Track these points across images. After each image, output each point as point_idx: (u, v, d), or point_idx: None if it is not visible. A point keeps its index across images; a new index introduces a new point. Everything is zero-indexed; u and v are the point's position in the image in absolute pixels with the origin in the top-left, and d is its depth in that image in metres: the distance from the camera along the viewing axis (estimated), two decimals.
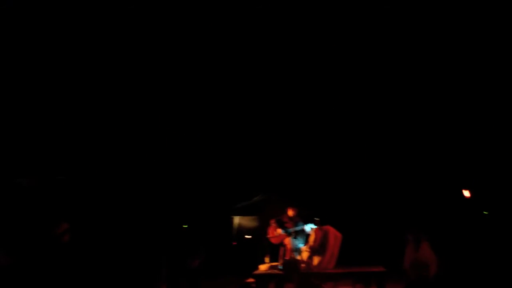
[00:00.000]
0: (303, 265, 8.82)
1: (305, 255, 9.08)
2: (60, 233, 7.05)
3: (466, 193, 9.96)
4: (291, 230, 9.29)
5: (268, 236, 9.51)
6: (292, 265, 8.69)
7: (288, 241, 9.28)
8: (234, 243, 12.22)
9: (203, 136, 12.19)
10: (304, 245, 9.23)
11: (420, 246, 8.54)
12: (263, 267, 9.32)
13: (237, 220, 12.68)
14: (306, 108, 11.78)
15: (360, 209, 10.04)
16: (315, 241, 9.03)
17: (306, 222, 9.31)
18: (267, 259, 9.56)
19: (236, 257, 11.59)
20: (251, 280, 9.06)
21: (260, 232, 12.27)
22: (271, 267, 9.10)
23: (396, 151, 10.90)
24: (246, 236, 12.22)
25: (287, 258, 9.12)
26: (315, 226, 9.11)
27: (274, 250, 9.55)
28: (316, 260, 8.93)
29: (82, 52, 9.23)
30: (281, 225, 9.41)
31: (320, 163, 11.78)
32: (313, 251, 9.00)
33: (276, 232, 9.40)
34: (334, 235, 9.04)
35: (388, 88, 10.34)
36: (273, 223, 9.50)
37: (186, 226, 11.32)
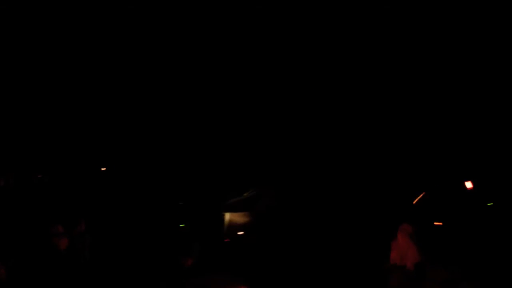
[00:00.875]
0: None
1: None
2: (55, 238, 6.62)
3: (469, 184, 9.80)
4: None
5: None
6: None
7: None
8: (227, 240, 11.87)
9: (191, 132, 11.82)
10: None
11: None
12: None
13: (228, 216, 12.34)
14: (296, 98, 11.49)
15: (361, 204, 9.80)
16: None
17: None
18: None
19: (229, 254, 11.26)
20: None
21: (252, 228, 12.00)
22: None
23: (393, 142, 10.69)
24: (239, 233, 11.88)
25: None
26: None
27: None
28: None
29: (81, 52, 8.90)
30: None
31: (314, 152, 11.49)
32: None
33: None
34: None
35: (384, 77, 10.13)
36: None
37: (183, 225, 10.96)
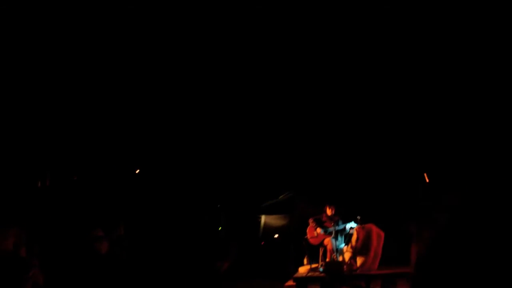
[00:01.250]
0: (345, 266, 8.34)
1: (347, 255, 8.59)
2: (96, 243, 6.55)
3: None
4: (332, 229, 8.76)
5: (307, 236, 8.99)
6: (334, 267, 8.21)
7: (328, 241, 8.74)
8: (262, 243, 11.72)
9: (224, 136, 11.71)
10: (346, 245, 8.73)
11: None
12: (303, 270, 8.84)
13: (263, 219, 12.19)
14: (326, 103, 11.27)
15: (398, 203, 9.48)
16: (357, 240, 8.53)
17: (346, 221, 8.81)
18: (305, 261, 9.08)
19: (266, 258, 11.10)
20: (291, 283, 8.55)
21: (288, 231, 11.83)
22: (312, 270, 8.62)
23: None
24: (275, 236, 11.72)
25: (328, 259, 8.62)
26: (357, 225, 8.60)
27: (313, 252, 9.05)
28: (359, 261, 8.44)
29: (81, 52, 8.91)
30: (320, 224, 8.90)
31: (349, 156, 11.25)
32: (356, 252, 8.51)
33: (315, 232, 8.88)
34: (377, 234, 8.55)
35: None
36: (311, 222, 8.98)
37: (221, 228, 10.88)
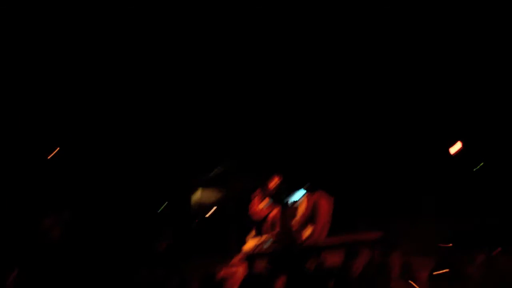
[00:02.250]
0: (296, 238, 8.01)
1: (296, 225, 8.24)
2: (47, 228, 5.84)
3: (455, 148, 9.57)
4: (279, 199, 8.37)
5: (254, 209, 8.53)
6: (287, 238, 7.86)
7: (276, 212, 8.35)
8: (197, 220, 11.16)
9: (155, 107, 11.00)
10: (295, 215, 8.37)
11: None
12: (252, 243, 8.41)
13: (196, 194, 11.62)
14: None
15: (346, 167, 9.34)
16: (306, 209, 8.20)
17: (294, 189, 8.46)
18: (253, 233, 8.65)
19: (203, 235, 10.58)
20: (238, 259, 8.09)
21: (226, 205, 11.33)
22: (262, 243, 8.20)
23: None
24: (211, 210, 11.19)
25: (278, 229, 8.24)
26: (306, 192, 8.26)
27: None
28: (308, 230, 8.13)
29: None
30: (267, 195, 8.48)
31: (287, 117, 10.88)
32: (305, 221, 8.19)
33: (262, 204, 8.44)
34: (326, 202, 8.26)
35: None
36: (258, 193, 8.52)
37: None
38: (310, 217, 8.08)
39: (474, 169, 9.41)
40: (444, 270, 7.01)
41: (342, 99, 10.23)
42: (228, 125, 11.37)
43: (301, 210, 8.20)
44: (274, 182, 8.60)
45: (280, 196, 8.37)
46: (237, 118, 11.18)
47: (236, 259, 8.14)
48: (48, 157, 9.32)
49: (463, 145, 9.52)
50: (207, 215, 11.19)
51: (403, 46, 9.19)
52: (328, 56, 9.70)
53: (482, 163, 9.38)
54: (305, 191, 8.22)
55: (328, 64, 9.94)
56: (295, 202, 8.39)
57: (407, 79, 9.62)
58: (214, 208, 11.21)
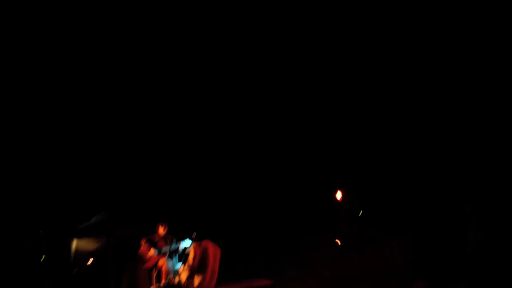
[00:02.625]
0: None
1: (184, 276, 8.15)
2: None
3: (338, 195, 10.11)
4: (166, 249, 8.25)
5: (143, 258, 8.28)
6: (179, 286, 7.76)
7: (163, 262, 8.22)
8: (75, 270, 10.52)
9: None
10: (183, 265, 8.28)
11: None
12: None
13: (74, 243, 10.99)
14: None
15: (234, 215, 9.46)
16: (194, 259, 8.16)
17: (180, 239, 8.40)
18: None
19: (81, 286, 10.02)
20: None
21: (106, 254, 10.82)
22: None
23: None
24: (89, 262, 10.63)
25: (163, 281, 8.09)
26: (192, 242, 8.23)
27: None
28: (196, 280, 8.07)
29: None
30: (153, 245, 8.31)
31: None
32: (193, 271, 8.13)
33: (148, 254, 8.25)
34: (213, 250, 8.29)
35: None
36: (144, 243, 8.32)
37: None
38: (199, 266, 8.03)
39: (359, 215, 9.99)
40: None
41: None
42: (109, 172, 11.08)
43: (190, 259, 8.14)
44: (160, 231, 8.49)
45: (166, 246, 8.26)
46: (118, 166, 10.95)
47: None
48: None
49: (343, 193, 10.13)
50: (87, 264, 10.64)
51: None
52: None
53: (361, 211, 10.01)
54: (191, 241, 8.18)
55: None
56: (183, 251, 8.31)
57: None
58: (92, 258, 10.68)
